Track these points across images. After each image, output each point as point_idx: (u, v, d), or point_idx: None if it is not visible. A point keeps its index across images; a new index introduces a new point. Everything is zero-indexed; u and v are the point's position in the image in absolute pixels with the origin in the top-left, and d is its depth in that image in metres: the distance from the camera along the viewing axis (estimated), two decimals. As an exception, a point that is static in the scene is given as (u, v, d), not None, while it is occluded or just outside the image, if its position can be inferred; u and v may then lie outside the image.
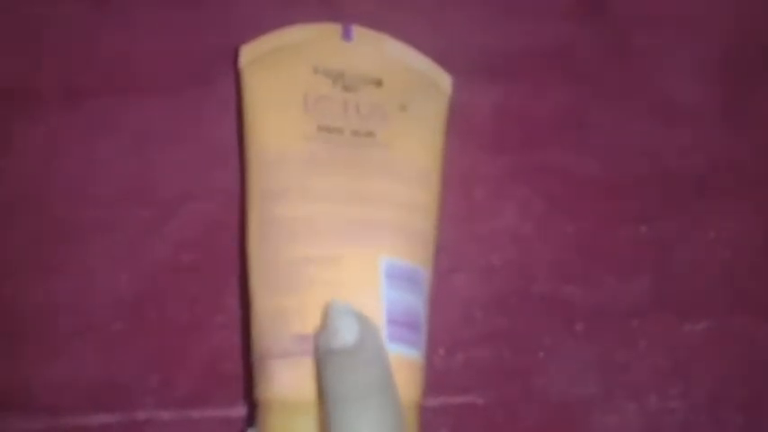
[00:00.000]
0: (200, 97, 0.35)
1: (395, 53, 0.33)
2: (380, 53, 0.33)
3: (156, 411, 0.32)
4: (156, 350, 0.33)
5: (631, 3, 0.38)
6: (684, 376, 0.34)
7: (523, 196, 0.35)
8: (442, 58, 0.34)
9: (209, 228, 0.34)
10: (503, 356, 0.34)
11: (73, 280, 0.33)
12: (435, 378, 0.32)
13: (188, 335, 0.33)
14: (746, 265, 0.36)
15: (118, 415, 0.32)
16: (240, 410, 0.33)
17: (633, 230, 0.36)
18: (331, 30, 0.33)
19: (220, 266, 0.33)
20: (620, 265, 0.35)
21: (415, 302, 0.30)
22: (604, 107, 0.37)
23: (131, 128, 0.35)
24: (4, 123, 0.34)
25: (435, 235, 0.32)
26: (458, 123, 0.34)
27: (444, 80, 0.34)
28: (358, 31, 0.33)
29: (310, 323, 0.28)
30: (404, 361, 0.29)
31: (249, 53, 0.33)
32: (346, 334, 0.26)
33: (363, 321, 0.27)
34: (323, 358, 0.27)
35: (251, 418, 0.32)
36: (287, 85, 0.32)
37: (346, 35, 0.33)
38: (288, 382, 0.28)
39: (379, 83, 0.33)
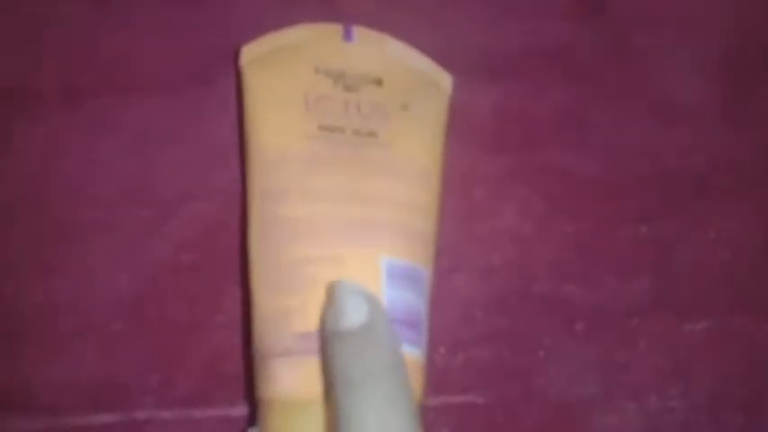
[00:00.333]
0: (200, 97, 0.35)
1: (395, 53, 0.33)
2: (381, 53, 0.33)
3: (156, 411, 0.32)
4: (157, 350, 0.33)
5: (631, 3, 0.38)
6: (684, 376, 0.34)
7: (523, 196, 0.35)
8: (442, 58, 0.34)
9: (209, 228, 0.34)
10: (503, 356, 0.34)
11: (73, 280, 0.33)
12: (436, 377, 0.32)
13: (188, 335, 0.33)
14: (746, 265, 0.36)
15: (118, 415, 0.32)
16: (241, 410, 0.33)
17: (633, 230, 0.36)
18: (332, 30, 0.33)
19: (220, 266, 0.33)
20: (620, 265, 0.35)
21: (416, 302, 0.30)
22: (604, 107, 0.37)
23: (131, 128, 0.35)
24: (4, 123, 0.34)
25: (436, 235, 0.32)
26: (458, 123, 0.34)
27: (445, 80, 0.34)
28: (359, 31, 0.33)
29: (312, 322, 0.28)
30: (405, 360, 0.29)
31: (250, 53, 0.33)
32: (354, 315, 0.25)
33: (372, 301, 0.26)
34: (329, 339, 0.26)
35: (252, 417, 0.32)
36: (288, 84, 0.32)
37: (347, 36, 0.33)
38: (289, 381, 0.28)
39: (379, 82, 0.33)
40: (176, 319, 0.33)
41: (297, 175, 0.30)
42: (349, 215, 0.30)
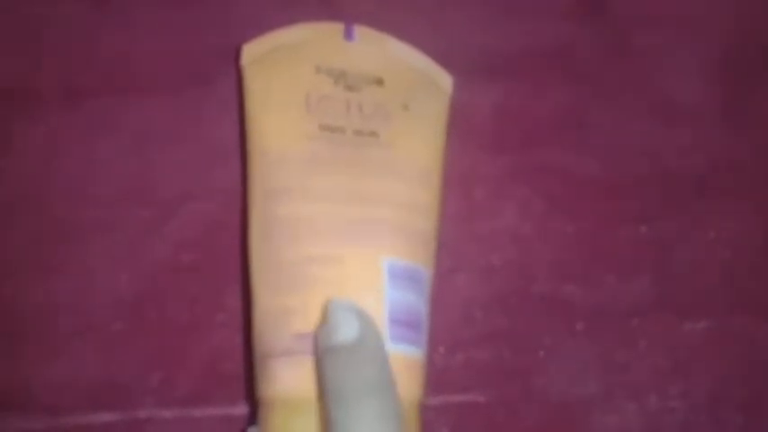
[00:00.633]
0: (200, 97, 0.35)
1: (396, 53, 0.33)
2: (382, 53, 0.33)
3: (156, 410, 0.32)
4: (157, 350, 0.33)
5: (631, 3, 0.38)
6: (684, 376, 0.34)
7: (523, 196, 0.35)
8: (442, 58, 0.34)
9: (209, 228, 0.34)
10: (503, 356, 0.34)
11: (73, 280, 0.33)
12: (436, 377, 0.32)
13: (188, 335, 0.33)
14: (746, 265, 0.36)
15: (118, 414, 0.32)
16: (241, 409, 0.33)
17: (633, 230, 0.36)
18: (333, 29, 0.33)
19: (220, 266, 0.33)
20: (620, 265, 0.35)
21: (417, 302, 0.30)
22: (604, 107, 0.37)
23: (131, 128, 0.35)
24: (4, 123, 0.34)
25: (436, 234, 0.32)
26: (458, 123, 0.34)
27: (445, 80, 0.34)
28: (360, 30, 0.33)
29: (312, 322, 0.28)
30: (405, 360, 0.29)
31: (251, 52, 0.33)
32: (346, 330, 0.26)
33: (363, 318, 0.27)
34: (323, 355, 0.26)
35: (252, 416, 0.32)
36: (289, 84, 0.32)
37: (348, 35, 0.33)
38: (290, 380, 0.28)
39: (380, 82, 0.33)
40: (176, 318, 0.33)
41: (298, 175, 0.30)
42: (350, 215, 0.30)
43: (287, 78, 0.32)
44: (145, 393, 0.32)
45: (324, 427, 0.27)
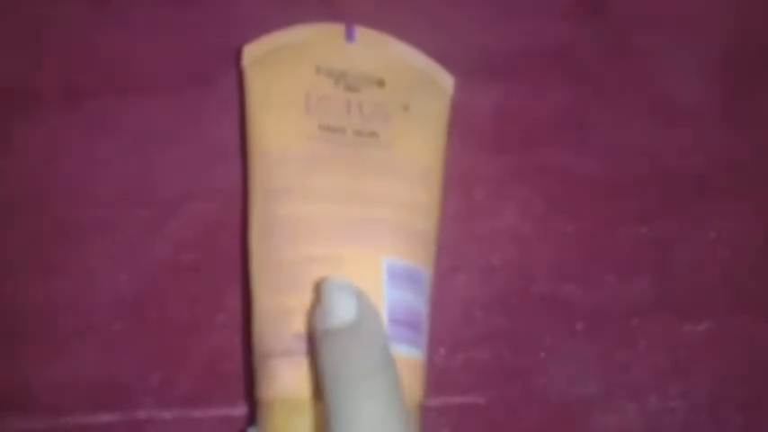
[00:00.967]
0: (201, 97, 0.35)
1: (397, 53, 0.33)
2: (383, 53, 0.33)
3: (156, 411, 0.32)
4: (157, 350, 0.33)
5: (631, 3, 0.38)
6: (684, 376, 0.34)
7: (523, 196, 0.35)
8: (442, 58, 0.34)
9: (209, 228, 0.34)
10: (503, 356, 0.34)
11: (73, 280, 0.33)
12: (436, 378, 0.32)
13: (188, 335, 0.33)
14: (746, 265, 0.36)
15: (118, 414, 0.32)
16: (241, 409, 0.33)
17: (633, 230, 0.36)
18: (333, 30, 0.33)
19: (220, 266, 0.33)
20: (620, 265, 0.35)
21: (417, 302, 0.30)
22: (604, 107, 0.37)
23: (131, 128, 0.35)
24: (4, 123, 0.34)
25: (436, 235, 0.32)
26: (458, 123, 0.34)
27: (446, 80, 0.34)
28: (360, 31, 0.33)
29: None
30: (406, 361, 0.29)
31: (252, 53, 0.33)
32: (343, 312, 0.25)
33: (361, 297, 0.25)
34: (319, 338, 0.25)
35: (252, 417, 0.32)
36: (289, 84, 0.32)
37: (349, 35, 0.33)
38: (289, 381, 0.28)
39: (381, 83, 0.33)
40: (176, 319, 0.33)
41: (298, 175, 0.30)
42: (350, 215, 0.30)
43: (287, 78, 0.32)
44: (145, 393, 0.32)
45: (324, 427, 0.27)
